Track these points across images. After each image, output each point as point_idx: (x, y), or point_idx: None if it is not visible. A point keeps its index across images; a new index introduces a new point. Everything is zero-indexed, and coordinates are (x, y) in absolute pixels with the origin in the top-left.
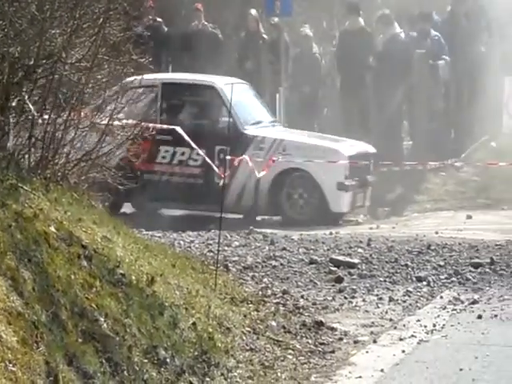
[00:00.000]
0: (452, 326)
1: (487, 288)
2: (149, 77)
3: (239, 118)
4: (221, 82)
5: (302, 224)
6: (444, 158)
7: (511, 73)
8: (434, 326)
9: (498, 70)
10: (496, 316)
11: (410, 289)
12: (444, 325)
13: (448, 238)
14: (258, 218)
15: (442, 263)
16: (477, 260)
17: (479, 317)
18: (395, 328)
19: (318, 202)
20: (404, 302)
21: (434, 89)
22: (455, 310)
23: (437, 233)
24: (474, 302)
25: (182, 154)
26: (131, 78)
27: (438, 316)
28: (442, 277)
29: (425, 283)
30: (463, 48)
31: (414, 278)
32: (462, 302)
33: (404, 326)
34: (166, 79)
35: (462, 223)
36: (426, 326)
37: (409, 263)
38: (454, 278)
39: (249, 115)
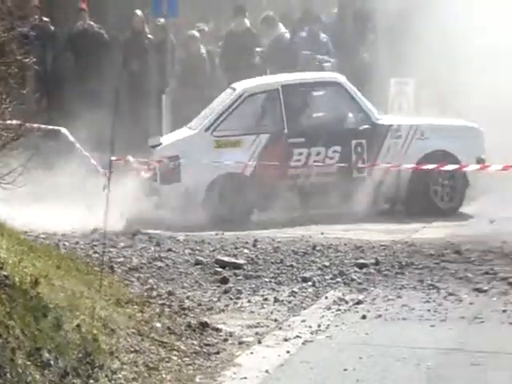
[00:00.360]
0: (336, 326)
1: (372, 288)
2: (266, 81)
3: (370, 109)
4: (340, 76)
5: (446, 213)
6: None
7: (396, 74)
8: (319, 326)
9: (384, 71)
10: (380, 316)
11: (295, 289)
12: (329, 325)
13: (333, 239)
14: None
15: (327, 264)
16: (362, 260)
17: (363, 317)
18: (280, 328)
19: (462, 181)
20: (289, 302)
21: None
22: (340, 310)
23: (322, 233)
24: (359, 302)
25: (318, 153)
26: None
27: (323, 316)
28: (327, 277)
29: (310, 284)
30: (350, 49)
31: (300, 279)
32: (347, 303)
33: (289, 326)
34: (286, 81)
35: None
36: (310, 327)
37: (294, 264)
38: (338, 279)
39: (372, 106)
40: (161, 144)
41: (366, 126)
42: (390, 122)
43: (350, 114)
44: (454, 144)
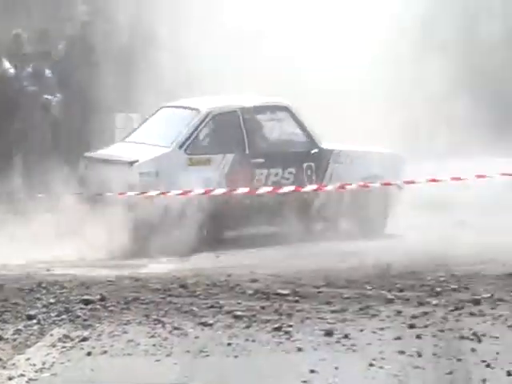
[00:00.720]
0: (62, 363)
1: (97, 325)
2: (227, 102)
3: (315, 134)
4: (287, 102)
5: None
6: None
7: (122, 109)
8: (44, 364)
9: (111, 106)
10: (106, 352)
11: (20, 327)
12: (54, 363)
13: (59, 275)
14: None
15: (52, 301)
16: (87, 297)
17: (89, 354)
18: (4, 368)
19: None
20: (14, 340)
21: (45, 126)
22: (65, 347)
23: (48, 270)
24: (84, 339)
25: (276, 174)
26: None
27: (48, 354)
28: (52, 314)
29: (35, 321)
30: (76, 85)
31: (25, 317)
32: (72, 340)
33: (13, 365)
34: (243, 104)
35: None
36: (35, 365)
37: (19, 301)
38: (64, 316)
39: (314, 131)
40: (137, 161)
41: (316, 150)
42: (331, 148)
43: (300, 138)
44: (384, 169)
